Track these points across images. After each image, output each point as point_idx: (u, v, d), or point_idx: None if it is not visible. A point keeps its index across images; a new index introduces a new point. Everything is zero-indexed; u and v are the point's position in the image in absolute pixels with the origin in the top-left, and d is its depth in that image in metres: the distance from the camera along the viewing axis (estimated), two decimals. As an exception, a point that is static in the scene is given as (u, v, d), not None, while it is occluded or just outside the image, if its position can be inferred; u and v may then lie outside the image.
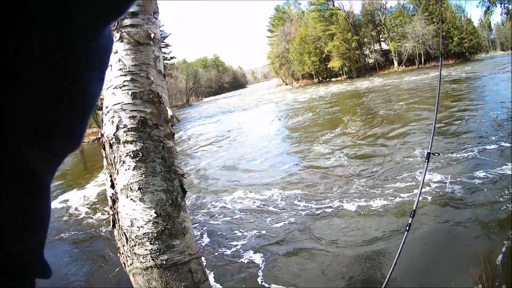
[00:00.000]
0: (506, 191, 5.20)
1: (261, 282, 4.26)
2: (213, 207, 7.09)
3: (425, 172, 2.33)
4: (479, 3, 37.25)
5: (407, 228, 2.11)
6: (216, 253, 5.24)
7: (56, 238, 6.80)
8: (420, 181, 2.32)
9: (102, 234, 6.69)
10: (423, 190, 5.66)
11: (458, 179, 6.01)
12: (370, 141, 9.86)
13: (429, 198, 5.56)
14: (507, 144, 7.23)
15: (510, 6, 34.23)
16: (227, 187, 8.23)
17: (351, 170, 7.66)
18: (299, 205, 6.31)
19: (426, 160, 2.28)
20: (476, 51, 44.92)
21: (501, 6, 34.44)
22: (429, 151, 2.31)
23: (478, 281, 3.16)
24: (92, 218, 7.75)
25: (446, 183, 5.89)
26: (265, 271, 4.48)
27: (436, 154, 2.45)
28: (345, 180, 7.11)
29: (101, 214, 7.77)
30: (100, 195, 9.30)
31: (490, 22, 51.79)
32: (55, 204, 9.17)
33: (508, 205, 4.83)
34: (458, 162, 6.85)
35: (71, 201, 9.31)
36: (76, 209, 8.60)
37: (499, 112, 10.27)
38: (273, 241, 5.25)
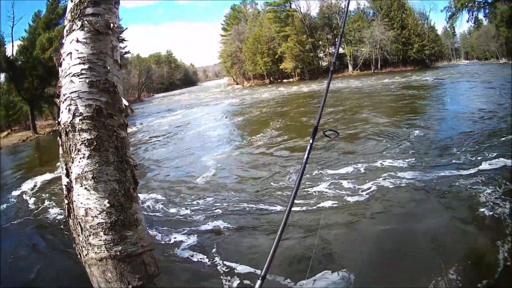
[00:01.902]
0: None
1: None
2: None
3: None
4: (444, 8, 38.89)
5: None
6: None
7: (8, 225, 6.86)
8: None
9: (50, 221, 6.65)
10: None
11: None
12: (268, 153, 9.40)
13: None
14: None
15: (479, 14, 35.72)
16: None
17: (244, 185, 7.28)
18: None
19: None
20: (438, 58, 46.40)
21: (468, 13, 35.99)
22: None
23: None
24: (42, 206, 7.71)
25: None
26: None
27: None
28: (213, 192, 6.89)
29: (49, 202, 7.80)
30: (51, 185, 9.40)
31: (454, 29, 53.83)
32: (10, 194, 9.27)
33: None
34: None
35: (25, 190, 9.36)
36: (28, 198, 8.60)
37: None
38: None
